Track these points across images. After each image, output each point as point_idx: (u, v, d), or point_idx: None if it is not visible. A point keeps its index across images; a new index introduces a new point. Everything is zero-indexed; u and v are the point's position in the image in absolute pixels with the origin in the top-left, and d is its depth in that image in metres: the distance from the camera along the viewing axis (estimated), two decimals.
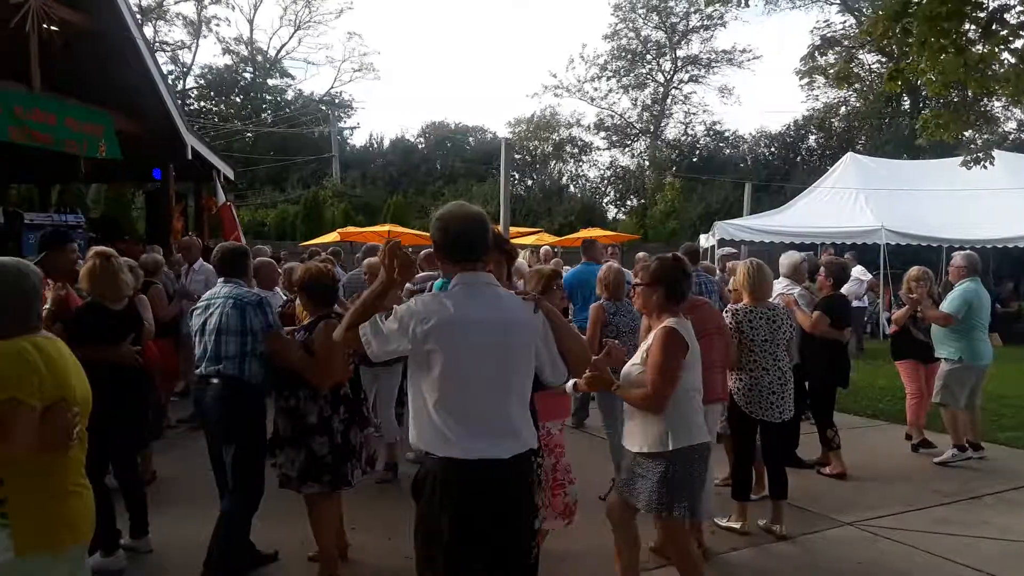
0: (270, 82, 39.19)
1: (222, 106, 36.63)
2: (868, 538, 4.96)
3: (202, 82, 37.69)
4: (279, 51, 40.69)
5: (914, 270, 7.13)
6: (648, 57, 38.10)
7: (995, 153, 16.68)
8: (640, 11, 37.26)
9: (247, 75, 38.67)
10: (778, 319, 5.01)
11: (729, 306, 5.21)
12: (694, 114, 38.33)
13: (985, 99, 13.74)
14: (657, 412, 3.57)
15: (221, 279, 4.27)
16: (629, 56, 37.72)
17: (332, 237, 17.16)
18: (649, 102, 38.67)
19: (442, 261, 2.73)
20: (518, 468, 2.60)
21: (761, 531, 4.98)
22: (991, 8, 7.47)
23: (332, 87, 41.08)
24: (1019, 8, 7.79)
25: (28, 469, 2.27)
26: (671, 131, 38.64)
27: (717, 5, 15.36)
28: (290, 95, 38.87)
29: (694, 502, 3.61)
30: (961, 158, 10.70)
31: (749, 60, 37.56)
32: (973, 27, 7.58)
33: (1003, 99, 17.05)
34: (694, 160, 33.48)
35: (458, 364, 2.54)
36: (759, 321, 4.97)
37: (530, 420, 2.75)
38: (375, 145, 37.81)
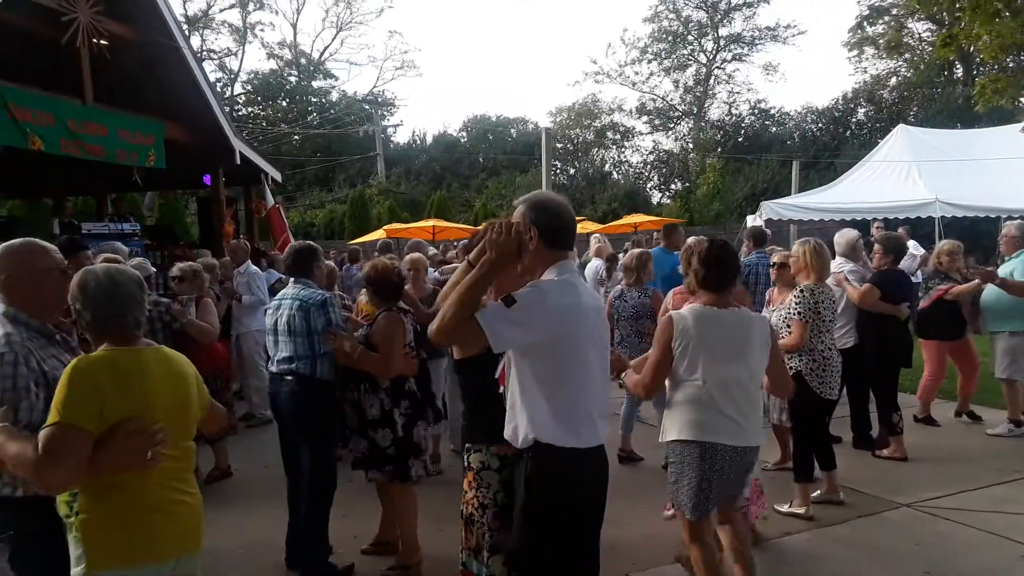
0: (314, 84, 39.78)
1: (269, 110, 37.29)
2: (926, 519, 4.87)
3: (249, 88, 38.45)
4: (322, 53, 41.32)
5: (947, 243, 6.90)
6: (690, 38, 37.58)
7: None
8: None
9: (292, 79, 39.30)
10: (836, 300, 5.06)
11: (802, 285, 4.99)
12: (738, 93, 37.81)
13: None
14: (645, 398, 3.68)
15: (292, 279, 4.44)
16: (670, 38, 37.25)
17: (378, 235, 17.36)
18: (691, 83, 38.18)
19: (543, 247, 2.57)
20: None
21: (819, 516, 4.91)
22: None
23: (375, 86, 41.62)
24: None
25: (102, 484, 2.20)
26: (715, 112, 38.11)
27: None
28: (334, 96, 39.44)
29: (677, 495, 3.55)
30: (1021, 124, 10.34)
31: (794, 36, 36.88)
32: None
33: None
34: (739, 140, 32.91)
35: (585, 352, 2.53)
36: (828, 301, 4.94)
37: None
38: (418, 141, 38.14)
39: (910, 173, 16.26)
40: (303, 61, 40.26)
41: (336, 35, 41.30)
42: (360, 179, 31.18)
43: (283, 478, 4.45)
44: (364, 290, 4.98)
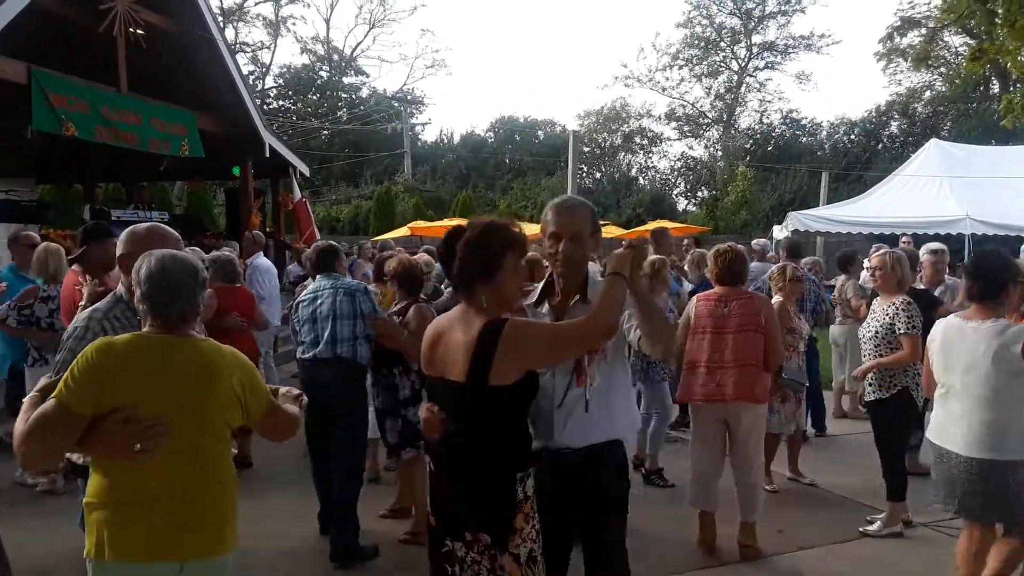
0: (345, 80, 40.03)
1: (299, 104, 37.63)
2: (943, 540, 4.79)
3: (280, 81, 38.79)
4: (354, 49, 41.57)
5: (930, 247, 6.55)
6: (722, 44, 37.32)
7: None
8: None
9: (323, 74, 39.61)
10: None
11: (902, 300, 4.83)
12: (769, 102, 37.47)
13: None
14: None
15: (320, 275, 4.74)
16: (702, 44, 37.02)
17: (403, 232, 17.45)
18: (722, 90, 37.90)
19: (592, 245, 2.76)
20: None
21: (832, 532, 4.89)
22: None
23: (404, 84, 41.77)
24: None
25: (102, 473, 2.22)
26: (745, 120, 37.83)
27: None
28: (364, 93, 39.66)
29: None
30: None
31: (828, 45, 36.42)
32: None
33: None
34: (768, 149, 32.67)
35: None
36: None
37: None
38: (445, 140, 38.27)
39: (941, 188, 16.03)
40: (335, 57, 40.57)
41: (368, 32, 41.56)
42: (387, 176, 31.35)
43: (298, 466, 4.53)
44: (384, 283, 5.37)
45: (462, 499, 2.43)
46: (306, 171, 13.79)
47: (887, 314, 4.80)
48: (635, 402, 2.88)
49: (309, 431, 4.62)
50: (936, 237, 14.17)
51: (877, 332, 4.84)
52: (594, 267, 2.87)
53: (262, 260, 8.29)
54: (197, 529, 2.26)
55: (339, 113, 36.49)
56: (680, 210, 32.26)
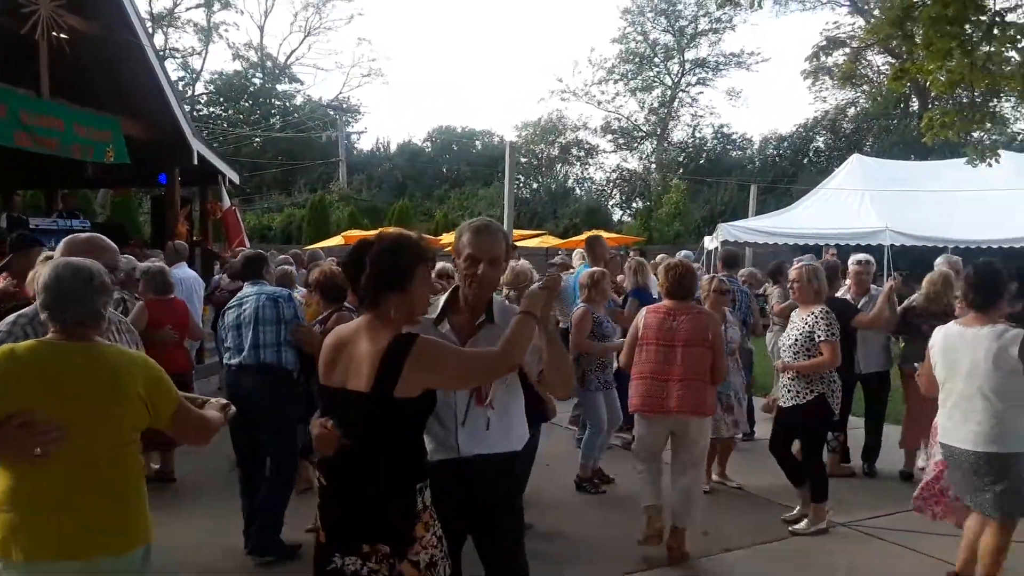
0: (279, 87, 39.42)
1: (231, 111, 36.85)
2: (860, 538, 4.99)
3: (212, 88, 37.95)
4: (289, 56, 40.98)
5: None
6: (656, 60, 38.11)
7: (1003, 153, 16.66)
8: (649, 15, 37.32)
9: (256, 80, 38.90)
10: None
11: (820, 309, 5.07)
12: (701, 116, 38.40)
13: (993, 99, 13.69)
14: None
15: (248, 282, 4.82)
16: (637, 59, 37.75)
17: (336, 241, 17.26)
18: (656, 105, 38.70)
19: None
20: None
21: (758, 533, 5.03)
22: (992, 11, 7.49)
23: (340, 92, 41.34)
24: (1022, 9, 7.79)
25: (5, 479, 2.25)
26: (678, 133, 38.72)
27: (727, 9, 15.38)
28: (299, 100, 39.12)
29: None
30: (966, 158, 10.66)
31: (757, 63, 37.60)
32: (977, 29, 7.59)
33: (1011, 99, 16.97)
34: (701, 162, 33.47)
35: None
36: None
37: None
38: (382, 149, 38.04)
39: (863, 201, 16.70)
40: (268, 64, 39.90)
41: (304, 39, 41.00)
42: (321, 184, 30.93)
43: (224, 481, 4.45)
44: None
45: (361, 511, 2.41)
46: (236, 179, 13.49)
47: (806, 323, 5.03)
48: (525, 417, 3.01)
49: (236, 440, 4.63)
50: (858, 248, 14.70)
51: (797, 340, 5.05)
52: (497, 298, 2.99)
53: (182, 270, 8.10)
54: (104, 528, 2.30)
55: (272, 120, 35.88)
56: (615, 221, 32.76)
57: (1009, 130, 31.44)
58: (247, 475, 4.67)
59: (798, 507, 5.24)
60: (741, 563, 4.65)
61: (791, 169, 30.89)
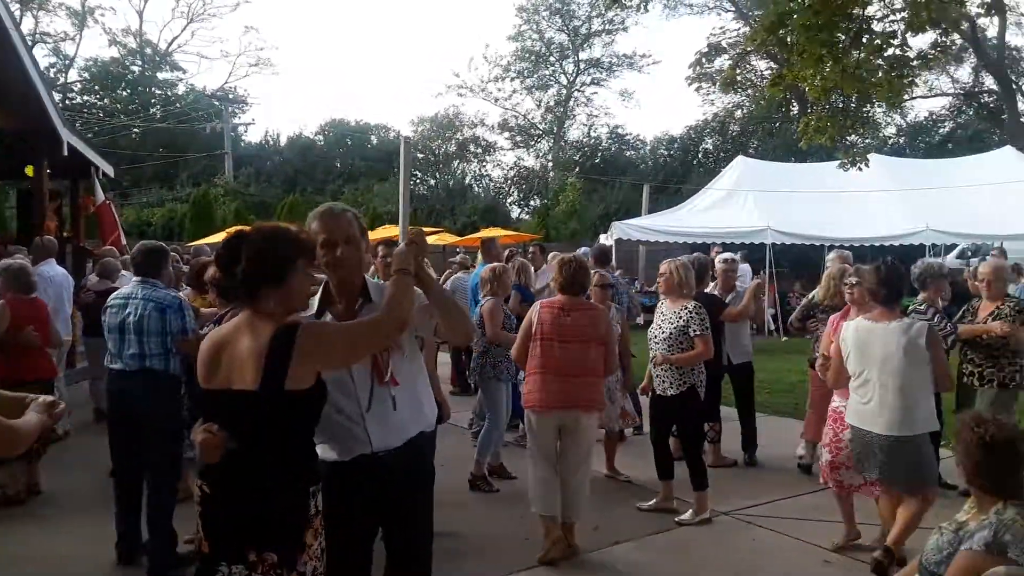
0: (160, 76, 37.55)
1: (108, 100, 34.81)
2: (741, 526, 5.13)
3: (86, 75, 35.74)
4: (170, 44, 39.08)
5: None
6: (551, 59, 38.55)
7: (874, 157, 17.66)
8: (543, 14, 37.68)
9: (135, 68, 36.91)
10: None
11: (693, 305, 5.24)
12: (596, 116, 39.10)
13: (867, 105, 14.41)
14: None
15: (137, 278, 4.52)
16: (533, 58, 38.08)
17: (221, 237, 16.52)
18: (552, 103, 39.15)
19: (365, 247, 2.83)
20: None
21: (645, 525, 5.10)
22: (860, 19, 7.88)
23: (226, 82, 39.73)
24: (889, 19, 8.21)
25: None
26: (574, 132, 39.27)
27: (617, 10, 15.67)
28: (181, 89, 37.35)
29: None
30: (838, 161, 11.17)
31: (649, 65, 38.63)
32: (846, 36, 7.96)
33: (882, 105, 18.02)
34: (596, 161, 34.07)
35: None
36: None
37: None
38: (271, 142, 36.78)
39: (747, 201, 17.37)
40: (148, 51, 37.93)
41: (186, 26, 39.22)
42: (205, 178, 29.60)
43: (96, 491, 4.17)
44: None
45: (250, 514, 2.30)
46: (110, 171, 12.73)
47: (679, 317, 5.20)
48: (432, 390, 3.00)
49: (116, 447, 4.47)
50: (742, 246, 15.37)
51: (671, 334, 5.21)
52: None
53: (50, 268, 7.50)
54: None
55: (152, 110, 34.13)
56: (513, 218, 32.91)
57: (880, 134, 33.57)
58: (124, 486, 4.46)
59: (655, 499, 5.38)
60: (629, 555, 4.70)
61: (682, 169, 31.85)
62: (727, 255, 7.19)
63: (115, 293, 4.65)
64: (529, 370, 4.69)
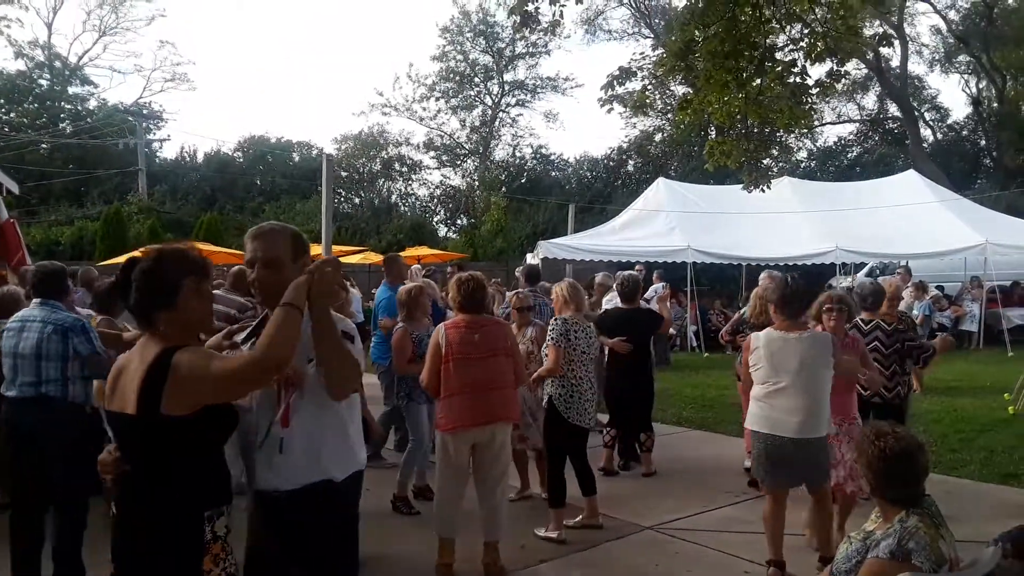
0: (70, 90, 36.02)
1: (13, 114, 33.19)
2: (666, 540, 5.17)
3: None
4: (81, 57, 37.62)
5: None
6: (476, 80, 38.74)
7: (787, 180, 18.42)
8: (468, 35, 37.89)
9: (43, 82, 35.34)
10: (592, 333, 5.46)
11: (558, 316, 5.40)
12: (521, 137, 39.39)
13: (779, 130, 14.82)
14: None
15: (37, 300, 4.32)
16: (457, 78, 38.18)
17: (135, 256, 15.90)
18: (478, 123, 39.30)
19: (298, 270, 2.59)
20: None
21: (571, 541, 5.07)
22: (763, 47, 8.15)
23: (141, 97, 38.40)
24: (790, 48, 8.53)
25: None
26: (499, 152, 39.44)
27: (530, 33, 15.84)
28: (93, 104, 35.90)
29: None
30: (743, 184, 11.41)
31: (572, 88, 39.21)
32: (750, 64, 8.22)
33: (785, 130, 18.69)
34: (522, 181, 34.31)
35: None
36: (581, 332, 5.30)
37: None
38: (187, 159, 35.61)
39: (668, 222, 17.78)
40: (58, 64, 36.40)
41: (99, 40, 37.83)
42: (118, 195, 28.43)
43: None
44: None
45: (143, 539, 2.26)
46: (14, 188, 12.06)
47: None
48: (358, 439, 2.71)
49: (16, 477, 4.23)
50: (664, 265, 15.70)
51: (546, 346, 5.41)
52: None
53: None
54: None
55: (62, 125, 32.67)
56: (441, 237, 32.80)
57: (793, 158, 34.93)
58: (23, 518, 4.21)
59: (580, 516, 5.35)
60: (554, 572, 4.69)
61: (606, 190, 32.38)
62: (624, 274, 7.37)
63: (14, 315, 4.40)
64: (444, 393, 4.61)
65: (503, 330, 4.81)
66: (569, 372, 5.21)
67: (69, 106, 34.98)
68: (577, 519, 5.32)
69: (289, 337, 2.29)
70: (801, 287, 4.57)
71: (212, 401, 2.29)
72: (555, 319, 5.36)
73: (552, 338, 5.23)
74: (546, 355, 5.32)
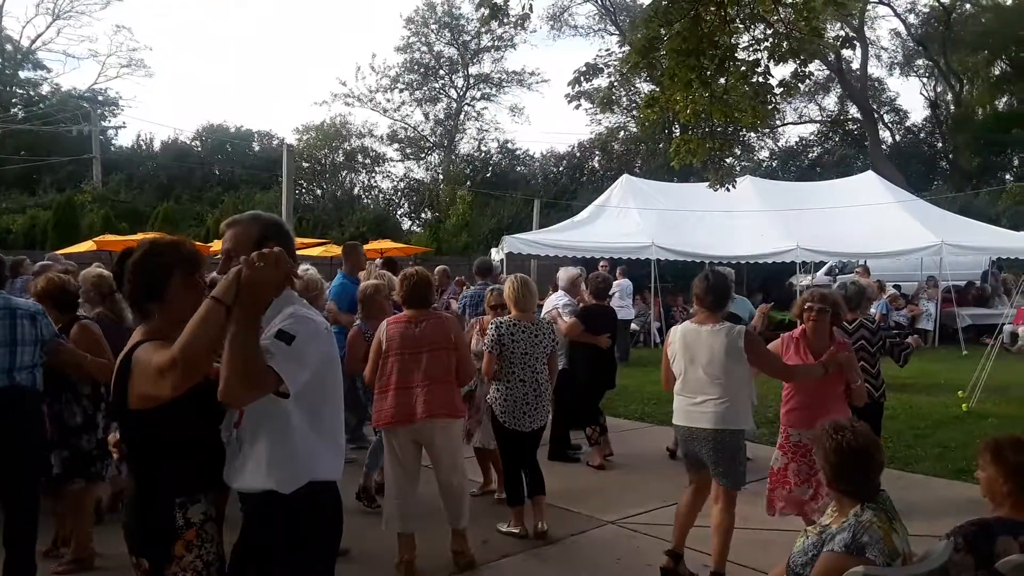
0: (22, 75, 35.05)
1: None
2: (627, 535, 5.20)
3: None
4: (33, 41, 36.53)
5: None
6: (441, 72, 38.51)
7: (749, 179, 18.59)
8: (433, 26, 37.62)
9: None
10: (540, 333, 5.24)
11: (494, 319, 5.36)
12: (486, 131, 39.26)
13: (741, 129, 14.86)
14: None
15: None
16: (422, 70, 37.90)
17: (87, 246, 15.51)
18: (442, 116, 39.09)
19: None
20: None
21: (533, 536, 5.05)
22: (724, 46, 8.19)
23: (95, 83, 37.45)
24: (753, 48, 8.59)
25: None
26: (464, 146, 39.30)
27: (497, 26, 15.78)
28: (46, 89, 34.95)
29: None
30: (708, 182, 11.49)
31: (538, 83, 39.19)
32: (712, 63, 8.26)
33: (747, 129, 18.82)
34: (487, 175, 34.23)
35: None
36: (520, 335, 5.14)
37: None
38: (144, 147, 34.83)
39: (632, 218, 17.87)
40: (9, 47, 35.34)
41: (52, 23, 36.74)
42: (71, 184, 27.71)
43: None
44: None
45: (127, 522, 2.43)
46: None
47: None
48: (316, 448, 2.42)
49: None
50: (628, 261, 15.78)
51: None
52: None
53: None
54: None
55: (13, 111, 31.74)
56: (404, 230, 32.56)
57: (755, 158, 35.41)
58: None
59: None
60: (517, 567, 4.69)
61: (571, 186, 32.47)
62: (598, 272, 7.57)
63: None
64: (379, 389, 4.60)
65: (446, 325, 4.74)
66: (506, 376, 5.11)
67: (21, 91, 34.10)
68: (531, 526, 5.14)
69: (207, 332, 2.11)
70: (721, 281, 4.51)
71: (158, 394, 2.19)
72: (492, 323, 5.25)
73: (486, 343, 5.16)
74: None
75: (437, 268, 9.84)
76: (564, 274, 7.58)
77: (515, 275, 5.45)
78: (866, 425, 3.03)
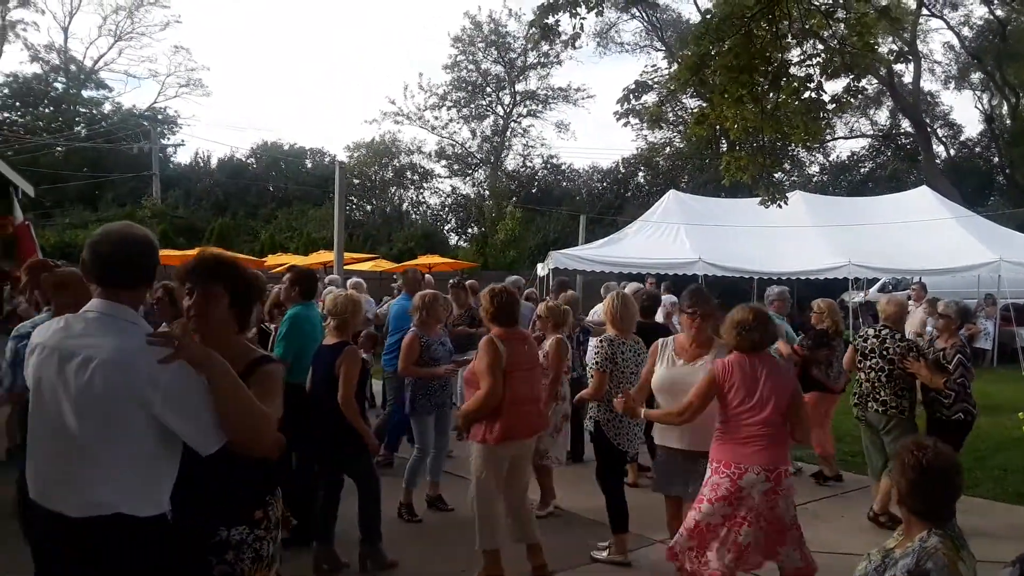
0: (85, 94, 36.37)
1: (28, 118, 33.51)
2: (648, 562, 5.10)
3: (6, 91, 34.36)
4: (96, 62, 37.95)
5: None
6: (488, 90, 38.84)
7: (799, 194, 18.35)
8: (480, 45, 38.00)
9: (59, 85, 35.69)
10: (641, 351, 5.09)
11: (601, 337, 5.23)
12: (532, 147, 39.43)
13: (791, 144, 14.65)
14: None
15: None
16: (469, 88, 38.28)
17: None
18: (489, 133, 39.36)
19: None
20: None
21: (565, 558, 5.00)
22: (778, 63, 8.16)
23: (155, 102, 38.70)
24: (806, 63, 8.54)
25: None
26: (511, 162, 39.52)
27: (548, 44, 15.88)
28: (108, 108, 36.22)
29: None
30: (760, 198, 11.40)
31: (584, 99, 39.23)
32: (765, 79, 8.23)
33: (798, 146, 18.54)
34: (533, 191, 34.36)
35: None
36: (628, 353, 5.03)
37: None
38: (201, 164, 35.84)
39: (679, 234, 17.77)
40: (73, 68, 36.75)
41: (114, 44, 38.15)
42: (131, 199, 28.64)
43: None
44: None
45: None
46: (29, 190, 12.18)
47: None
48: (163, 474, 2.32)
49: None
50: (675, 277, 15.67)
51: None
52: None
53: None
54: None
55: (77, 129, 32.95)
56: (452, 245, 32.84)
57: (805, 172, 34.89)
58: None
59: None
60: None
61: (617, 201, 32.40)
62: (632, 286, 7.52)
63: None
64: (508, 401, 4.46)
65: (535, 346, 4.98)
66: (616, 395, 4.84)
67: (84, 110, 35.33)
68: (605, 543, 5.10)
69: (241, 398, 2.28)
70: (704, 295, 4.64)
71: None
72: (601, 339, 5.14)
73: (597, 362, 4.99)
74: (590, 376, 5.18)
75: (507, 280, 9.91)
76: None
77: (615, 292, 5.31)
78: (949, 447, 2.97)
